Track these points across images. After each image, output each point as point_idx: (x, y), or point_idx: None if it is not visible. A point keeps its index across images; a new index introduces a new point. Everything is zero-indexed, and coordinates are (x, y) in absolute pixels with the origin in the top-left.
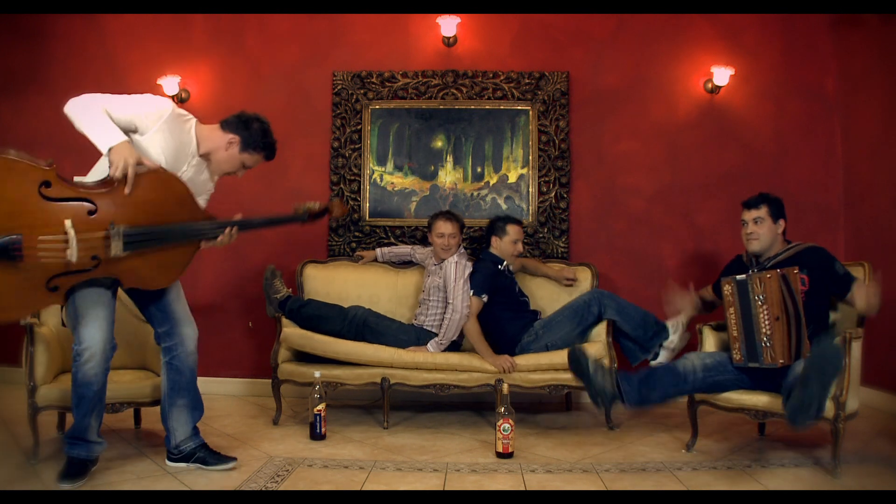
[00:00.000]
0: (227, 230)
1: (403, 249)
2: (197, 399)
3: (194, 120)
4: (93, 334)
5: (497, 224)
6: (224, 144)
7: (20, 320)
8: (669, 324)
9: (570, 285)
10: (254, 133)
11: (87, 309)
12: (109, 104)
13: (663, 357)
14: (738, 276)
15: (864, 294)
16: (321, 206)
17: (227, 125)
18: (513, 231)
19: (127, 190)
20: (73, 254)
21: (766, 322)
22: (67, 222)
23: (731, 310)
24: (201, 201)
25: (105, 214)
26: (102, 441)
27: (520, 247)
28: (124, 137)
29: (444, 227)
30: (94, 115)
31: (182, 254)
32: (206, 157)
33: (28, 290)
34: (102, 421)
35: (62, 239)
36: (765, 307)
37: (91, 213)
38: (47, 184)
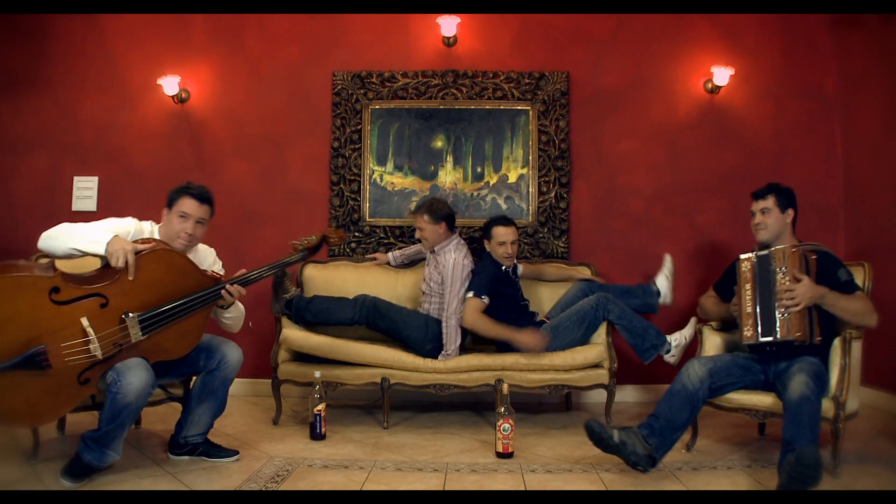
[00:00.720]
0: (231, 288)
1: (415, 248)
2: (224, 402)
3: (155, 226)
4: (131, 383)
5: (486, 226)
6: (164, 221)
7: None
8: (672, 338)
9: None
10: (171, 193)
11: (123, 366)
12: (84, 224)
13: (675, 353)
14: (760, 252)
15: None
16: (318, 238)
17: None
18: (497, 234)
19: (130, 276)
20: (97, 350)
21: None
22: (84, 321)
23: (748, 286)
24: (216, 265)
25: (117, 304)
26: (119, 452)
27: (508, 249)
28: (111, 235)
29: (415, 223)
30: (77, 231)
31: (197, 320)
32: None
33: (62, 390)
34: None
35: (83, 340)
36: (786, 279)
37: (103, 305)
38: (56, 289)
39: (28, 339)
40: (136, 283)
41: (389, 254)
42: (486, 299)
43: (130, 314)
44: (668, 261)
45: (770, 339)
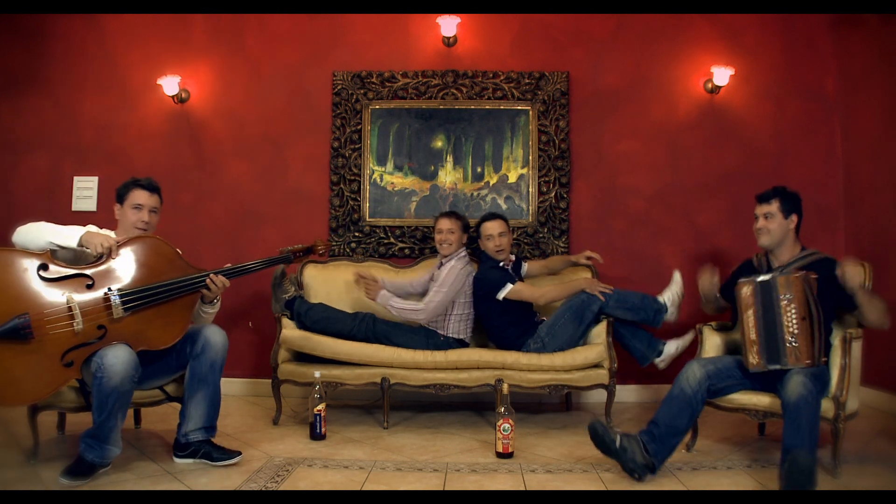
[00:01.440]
0: (217, 279)
1: (403, 282)
2: (216, 390)
3: (111, 233)
4: (113, 364)
5: (476, 227)
6: (118, 217)
7: (40, 401)
8: (664, 297)
9: (592, 262)
10: (119, 189)
11: (105, 349)
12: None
13: (665, 360)
14: (761, 278)
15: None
16: (304, 246)
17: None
18: (484, 229)
19: (114, 256)
20: (78, 322)
21: (794, 322)
22: (69, 296)
23: (750, 311)
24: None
25: (102, 284)
26: (119, 446)
27: (496, 241)
28: (83, 230)
29: (442, 224)
30: (51, 227)
31: (181, 309)
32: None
33: (46, 369)
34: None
35: (67, 312)
36: (792, 306)
37: (89, 286)
38: (44, 266)
39: (14, 311)
40: (122, 267)
41: (384, 288)
42: (517, 281)
43: (113, 288)
44: (676, 277)
45: (778, 366)
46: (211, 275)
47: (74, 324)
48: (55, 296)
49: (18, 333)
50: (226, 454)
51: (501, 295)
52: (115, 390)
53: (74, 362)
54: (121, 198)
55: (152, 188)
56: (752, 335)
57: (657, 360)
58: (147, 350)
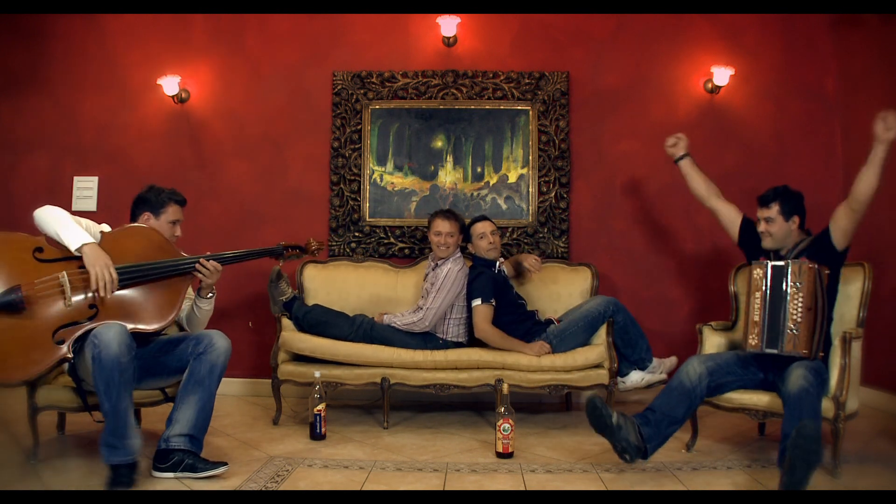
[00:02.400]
0: (208, 262)
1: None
2: (211, 399)
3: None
4: (109, 335)
5: (464, 231)
6: (149, 226)
7: (30, 378)
8: (656, 362)
9: (535, 269)
10: (149, 199)
11: (98, 327)
12: (74, 224)
13: (633, 378)
14: (775, 263)
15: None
16: (297, 244)
17: (133, 216)
18: (475, 230)
19: (110, 293)
20: (69, 298)
21: (799, 310)
22: (61, 274)
23: (758, 294)
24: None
25: None
26: (138, 436)
27: (489, 238)
28: (91, 239)
29: (442, 226)
30: (65, 218)
31: (173, 291)
32: None
33: (36, 345)
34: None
35: (58, 281)
36: (800, 295)
37: (82, 267)
38: (40, 249)
39: (7, 289)
40: (115, 252)
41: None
42: (493, 302)
43: None
44: (670, 362)
45: (775, 351)
46: (201, 259)
47: (65, 297)
48: (49, 274)
49: (10, 305)
50: (210, 465)
51: (473, 304)
52: (116, 360)
53: (66, 340)
54: (154, 209)
55: (184, 202)
56: (756, 317)
57: (619, 379)
58: (142, 335)
